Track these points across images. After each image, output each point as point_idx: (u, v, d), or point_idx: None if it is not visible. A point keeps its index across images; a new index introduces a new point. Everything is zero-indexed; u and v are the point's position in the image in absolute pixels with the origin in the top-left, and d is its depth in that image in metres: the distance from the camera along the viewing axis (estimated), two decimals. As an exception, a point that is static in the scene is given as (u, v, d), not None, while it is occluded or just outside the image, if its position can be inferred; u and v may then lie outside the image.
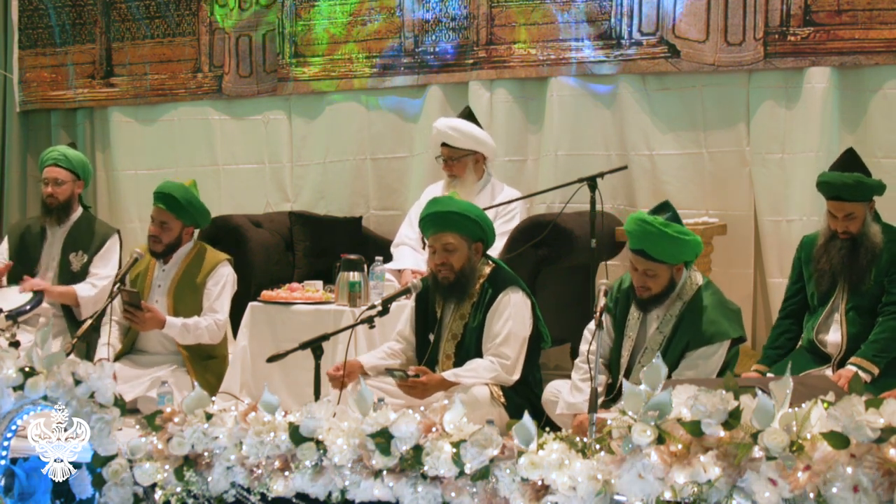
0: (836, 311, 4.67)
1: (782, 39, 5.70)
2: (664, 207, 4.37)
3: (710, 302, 4.35)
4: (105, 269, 5.87)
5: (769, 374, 4.52)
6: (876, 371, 4.45)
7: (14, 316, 5.51)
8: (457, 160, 5.75)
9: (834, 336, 4.65)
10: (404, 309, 4.92)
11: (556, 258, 5.46)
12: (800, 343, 4.80)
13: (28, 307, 5.62)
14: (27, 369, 3.90)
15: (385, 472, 3.36)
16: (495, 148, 5.92)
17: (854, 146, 5.03)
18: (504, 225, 5.58)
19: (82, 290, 5.79)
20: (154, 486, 3.70)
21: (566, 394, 4.45)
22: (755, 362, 4.84)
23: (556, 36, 6.23)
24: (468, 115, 5.94)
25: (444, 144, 5.78)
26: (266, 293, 5.57)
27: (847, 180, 4.56)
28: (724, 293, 4.50)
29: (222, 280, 5.41)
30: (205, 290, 5.39)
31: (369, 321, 4.54)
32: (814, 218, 5.56)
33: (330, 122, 6.95)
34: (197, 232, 5.62)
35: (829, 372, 4.57)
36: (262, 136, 7.19)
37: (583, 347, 4.47)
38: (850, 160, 4.68)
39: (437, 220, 4.62)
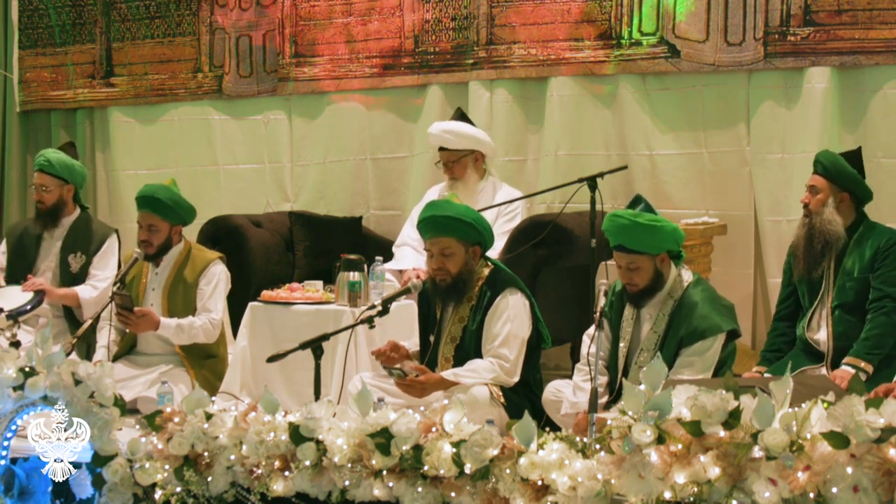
0: (823, 310, 4.68)
1: (782, 39, 5.70)
2: (636, 201, 4.41)
3: (701, 298, 4.35)
4: (105, 270, 5.86)
5: (767, 375, 4.52)
6: (871, 369, 4.45)
7: (14, 316, 5.50)
8: (456, 162, 5.74)
9: (822, 334, 4.66)
10: (405, 308, 4.92)
11: (556, 258, 5.46)
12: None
13: (28, 307, 5.62)
14: (27, 369, 3.90)
15: (385, 472, 3.37)
16: (493, 144, 5.91)
17: (854, 146, 5.02)
18: (505, 224, 5.57)
19: (84, 291, 5.79)
20: (154, 486, 3.71)
21: (570, 394, 4.45)
22: (755, 364, 4.84)
23: (556, 36, 6.23)
24: (461, 115, 5.95)
25: (441, 149, 5.78)
26: (266, 293, 5.57)
27: (831, 157, 4.69)
28: (723, 293, 4.50)
29: (215, 279, 5.40)
30: (197, 289, 5.38)
31: (369, 321, 4.54)
32: (813, 218, 5.56)
33: (330, 122, 6.95)
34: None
35: (823, 370, 4.57)
36: (262, 136, 7.18)
37: (584, 350, 4.48)
38: (853, 156, 4.75)
39: (433, 225, 4.60)
